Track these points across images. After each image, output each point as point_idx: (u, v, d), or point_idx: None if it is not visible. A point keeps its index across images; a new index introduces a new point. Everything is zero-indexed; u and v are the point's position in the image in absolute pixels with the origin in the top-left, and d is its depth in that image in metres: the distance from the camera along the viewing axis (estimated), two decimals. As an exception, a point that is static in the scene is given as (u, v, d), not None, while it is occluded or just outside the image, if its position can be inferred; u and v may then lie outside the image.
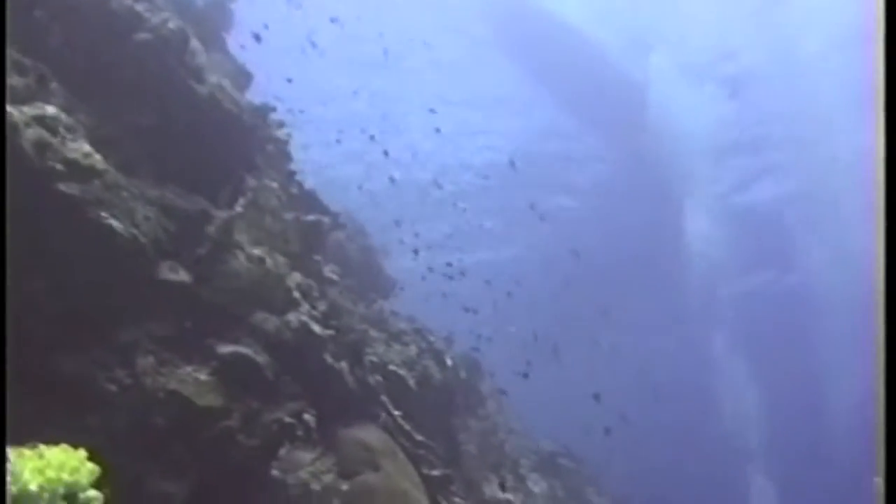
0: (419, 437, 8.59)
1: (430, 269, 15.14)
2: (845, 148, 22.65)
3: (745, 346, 28.51)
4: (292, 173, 8.60)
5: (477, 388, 13.85)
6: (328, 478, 6.21)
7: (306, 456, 6.17)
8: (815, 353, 29.16)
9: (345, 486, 6.92)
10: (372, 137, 16.61)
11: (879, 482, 3.51)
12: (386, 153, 16.57)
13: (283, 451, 6.03)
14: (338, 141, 17.88)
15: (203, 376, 6.02)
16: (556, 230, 25.74)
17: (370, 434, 7.72)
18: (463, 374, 13.07)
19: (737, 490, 27.34)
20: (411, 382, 9.76)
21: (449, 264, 15.63)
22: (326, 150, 19.89)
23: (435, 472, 8.56)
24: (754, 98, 23.67)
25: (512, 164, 20.95)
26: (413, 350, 10.47)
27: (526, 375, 14.21)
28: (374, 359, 9.27)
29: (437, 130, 19.62)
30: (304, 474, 6.07)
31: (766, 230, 27.49)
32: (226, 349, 6.18)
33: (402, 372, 9.70)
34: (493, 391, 15.24)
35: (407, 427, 8.49)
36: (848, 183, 23.31)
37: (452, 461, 9.92)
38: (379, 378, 8.77)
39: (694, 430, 29.74)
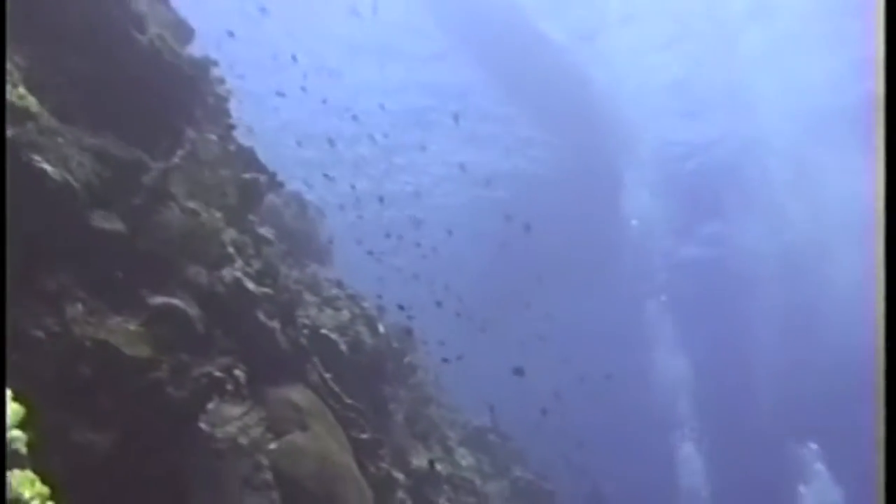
0: (349, 401, 8.62)
1: (361, 242, 15.18)
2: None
3: (677, 316, 29.13)
4: (231, 128, 8.50)
5: (408, 358, 13.88)
6: (256, 432, 6.19)
7: (235, 410, 6.14)
8: (743, 322, 29.79)
9: (273, 445, 6.92)
10: (303, 88, 16.51)
11: (880, 479, 3.54)
12: (324, 101, 16.42)
13: (211, 405, 5.99)
14: (278, 94, 17.69)
15: (133, 326, 5.95)
16: (492, 202, 25.95)
17: (300, 394, 7.72)
18: (395, 344, 13.11)
19: (663, 458, 28.03)
20: (343, 347, 9.77)
21: (388, 235, 15.70)
22: (265, 109, 19.70)
23: (363, 436, 8.59)
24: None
25: (455, 118, 20.98)
26: (346, 315, 10.47)
27: (459, 357, 14.35)
28: (307, 321, 9.26)
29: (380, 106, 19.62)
30: (232, 429, 6.04)
31: (701, 201, 28.13)
32: (157, 300, 6.11)
33: (333, 336, 9.71)
34: (424, 362, 15.29)
35: (337, 389, 8.50)
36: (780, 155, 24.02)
37: (381, 428, 9.97)
38: (310, 340, 8.76)
39: (623, 401, 30.21)
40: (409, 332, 13.72)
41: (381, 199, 19.88)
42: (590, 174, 26.79)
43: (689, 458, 27.61)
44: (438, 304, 14.83)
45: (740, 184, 26.82)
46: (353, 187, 18.91)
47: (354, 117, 19.55)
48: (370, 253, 16.03)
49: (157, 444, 5.83)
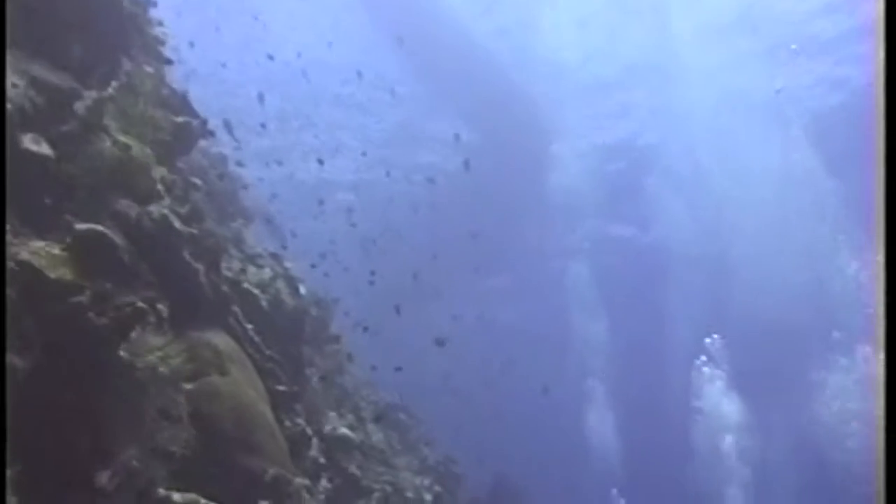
0: (268, 352, 8.63)
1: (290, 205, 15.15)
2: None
3: (601, 294, 29.77)
4: (166, 66, 8.43)
5: (326, 327, 13.89)
6: (177, 362, 6.17)
7: (157, 341, 6.11)
8: (665, 304, 30.49)
9: (190, 385, 6.89)
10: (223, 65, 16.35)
11: (880, 484, 3.60)
12: (271, 57, 16.30)
13: (133, 334, 5.95)
14: (217, 28, 17.43)
15: (57, 250, 5.88)
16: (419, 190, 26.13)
17: (220, 339, 7.70)
18: (314, 311, 13.11)
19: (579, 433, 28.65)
20: (263, 303, 9.75)
21: (322, 202, 15.72)
22: (200, 56, 19.43)
23: (281, 388, 8.61)
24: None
25: (393, 93, 21.06)
26: (267, 273, 10.44)
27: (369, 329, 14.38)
28: (229, 274, 9.22)
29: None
30: (152, 358, 6.01)
31: (627, 184, 28.77)
32: (82, 226, 6.04)
33: (255, 291, 9.68)
34: (341, 333, 15.29)
35: (257, 339, 8.50)
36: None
37: (298, 387, 9.98)
38: (232, 291, 8.74)
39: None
40: (333, 301, 13.77)
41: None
42: (513, 158, 27.09)
43: (604, 424, 28.39)
44: (372, 277, 14.77)
45: (665, 165, 27.47)
46: (279, 163, 18.77)
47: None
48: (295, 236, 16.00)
49: (77, 370, 5.76)
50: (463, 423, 22.51)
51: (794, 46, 23.47)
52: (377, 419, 12.72)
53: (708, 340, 24.94)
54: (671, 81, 25.21)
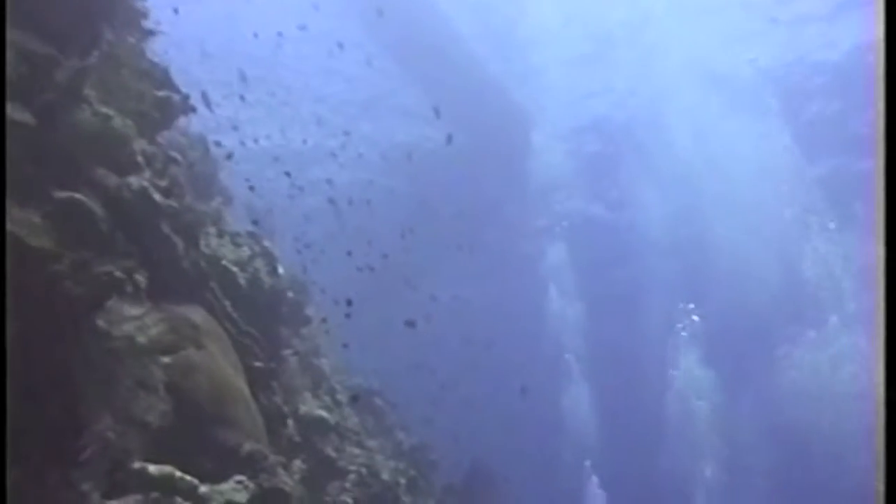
0: (245, 328, 8.62)
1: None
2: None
3: (577, 273, 29.99)
4: (148, 39, 8.38)
5: (303, 308, 13.87)
6: (154, 332, 6.16)
7: (134, 310, 6.10)
8: (640, 284, 30.64)
9: (167, 359, 6.88)
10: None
11: (880, 486, 3.59)
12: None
13: (110, 304, 5.94)
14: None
15: (37, 219, 5.86)
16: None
17: (197, 313, 7.69)
18: (291, 294, 13.07)
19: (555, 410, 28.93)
20: (241, 281, 9.73)
21: (301, 187, 15.69)
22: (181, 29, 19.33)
23: (258, 364, 8.61)
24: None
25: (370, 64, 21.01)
26: (246, 252, 10.42)
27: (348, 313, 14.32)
28: (207, 251, 9.19)
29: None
30: (129, 328, 6.00)
31: (605, 165, 28.93)
32: (62, 195, 6.02)
33: (233, 269, 9.66)
34: (318, 316, 15.25)
35: (234, 315, 8.49)
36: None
37: (275, 364, 9.97)
38: (210, 267, 8.72)
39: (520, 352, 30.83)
40: (310, 282, 13.75)
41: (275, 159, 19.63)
42: (490, 138, 27.14)
43: (577, 400, 28.68)
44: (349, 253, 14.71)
45: (641, 144, 27.61)
46: (255, 141, 18.69)
47: None
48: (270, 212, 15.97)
49: (54, 337, 5.75)
50: (438, 407, 22.52)
51: (773, 18, 23.69)
52: (353, 400, 12.72)
53: (681, 305, 25.32)
54: (648, 59, 25.32)
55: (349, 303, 12.39)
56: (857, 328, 24.74)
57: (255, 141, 17.78)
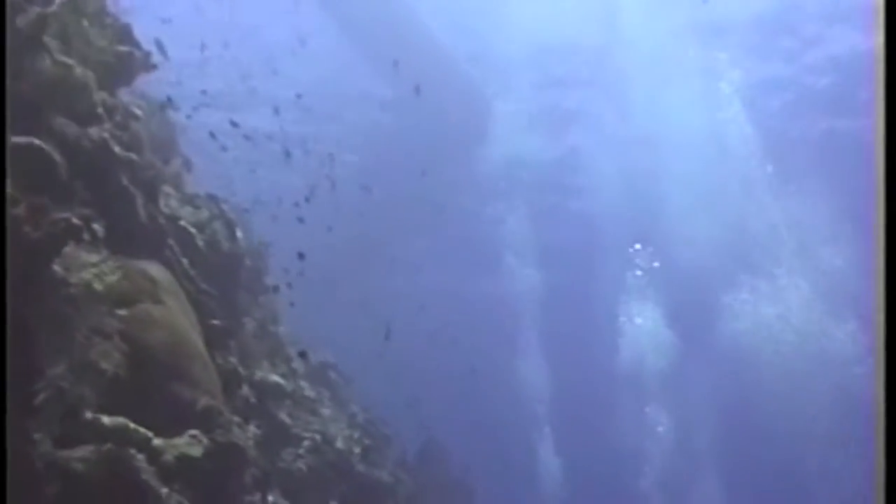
0: (204, 286, 8.61)
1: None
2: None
3: (536, 251, 30.31)
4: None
5: (262, 277, 13.86)
6: (111, 280, 6.14)
7: (91, 257, 6.07)
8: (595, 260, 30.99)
9: (124, 312, 6.85)
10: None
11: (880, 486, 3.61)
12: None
13: (67, 250, 5.90)
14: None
15: (-7, 163, 5.80)
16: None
17: (155, 269, 7.66)
18: (249, 262, 13.02)
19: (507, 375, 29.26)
20: (200, 243, 9.71)
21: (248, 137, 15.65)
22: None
23: (215, 322, 8.60)
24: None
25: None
26: (205, 214, 10.38)
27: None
28: (166, 210, 9.16)
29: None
30: (86, 275, 5.97)
31: (565, 146, 29.15)
32: (21, 139, 5.97)
33: (192, 230, 9.63)
34: (277, 284, 15.19)
35: (192, 273, 8.48)
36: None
37: (233, 328, 9.97)
38: (169, 225, 8.69)
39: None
40: (261, 254, 13.73)
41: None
42: (448, 120, 27.19)
43: (537, 372, 29.09)
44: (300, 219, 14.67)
45: (600, 126, 27.84)
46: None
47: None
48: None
49: (9, 283, 5.70)
50: (394, 384, 22.65)
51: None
52: (301, 356, 12.73)
53: (632, 249, 25.80)
54: (611, 46, 25.49)
55: (301, 256, 12.22)
56: (802, 283, 25.54)
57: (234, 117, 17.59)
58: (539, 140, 28.97)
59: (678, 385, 26.99)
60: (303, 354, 12.52)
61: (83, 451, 6.25)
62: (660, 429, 27.11)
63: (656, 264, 26.11)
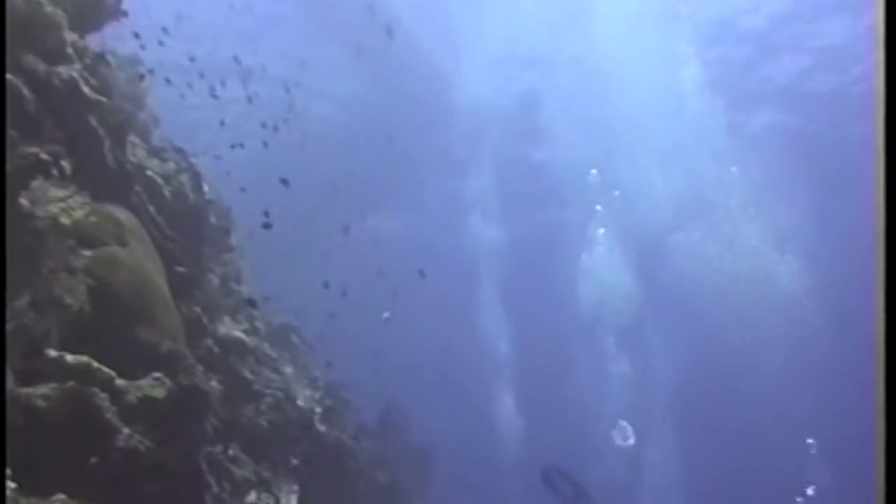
0: (170, 233, 8.62)
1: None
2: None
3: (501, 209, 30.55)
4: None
5: (227, 236, 13.81)
6: (78, 215, 6.16)
7: (59, 192, 6.09)
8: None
9: (89, 252, 6.87)
10: None
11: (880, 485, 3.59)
12: None
13: (35, 184, 5.92)
14: None
15: (-39, 94, 5.79)
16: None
17: (122, 212, 7.67)
18: (214, 220, 12.97)
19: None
20: (166, 193, 9.70)
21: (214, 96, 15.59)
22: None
23: (181, 269, 8.62)
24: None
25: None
26: (172, 166, 10.36)
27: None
28: (133, 160, 9.14)
29: None
30: (54, 209, 5.99)
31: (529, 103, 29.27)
32: (-10, 72, 5.96)
33: (158, 181, 9.62)
34: (242, 243, 15.16)
35: (159, 220, 8.49)
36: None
37: (197, 278, 9.99)
38: (137, 173, 8.68)
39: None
40: (227, 213, 13.69)
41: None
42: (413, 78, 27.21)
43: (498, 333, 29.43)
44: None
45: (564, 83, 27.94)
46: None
47: None
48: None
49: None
50: (355, 349, 22.70)
51: None
52: (250, 304, 12.74)
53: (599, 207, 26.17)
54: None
55: (266, 215, 12.22)
56: (752, 229, 26.20)
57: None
58: (499, 82, 29.03)
59: (638, 330, 27.32)
60: (251, 302, 12.49)
61: (46, 388, 6.28)
62: (620, 371, 27.41)
63: (616, 193, 26.32)
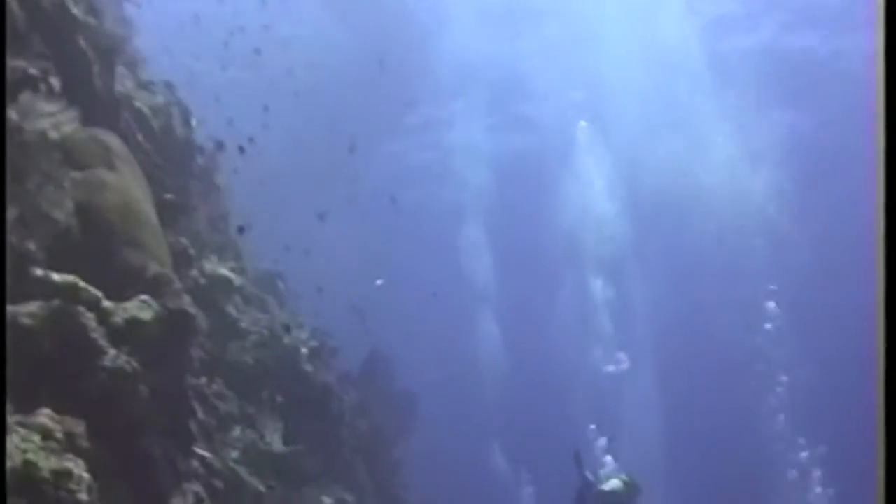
0: (158, 161, 8.62)
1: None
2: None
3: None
4: None
5: (213, 176, 13.79)
6: (67, 130, 6.15)
7: (48, 107, 6.08)
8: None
9: (77, 175, 6.87)
10: None
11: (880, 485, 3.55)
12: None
13: (24, 98, 5.90)
14: None
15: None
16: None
17: (110, 137, 7.65)
18: (200, 161, 12.91)
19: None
20: (154, 125, 9.68)
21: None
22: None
23: (168, 196, 8.61)
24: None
25: None
26: (160, 100, 10.33)
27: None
28: (121, 89, 9.10)
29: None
30: (43, 123, 5.98)
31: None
32: (-22, -15, 5.92)
33: (146, 112, 9.60)
34: (227, 188, 15.09)
35: (147, 147, 8.48)
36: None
37: (184, 207, 9.97)
38: (125, 100, 8.66)
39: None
40: (220, 145, 13.57)
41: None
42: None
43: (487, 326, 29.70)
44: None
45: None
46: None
47: None
48: None
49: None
50: (341, 300, 22.76)
51: None
52: (239, 231, 12.76)
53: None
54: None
55: (250, 140, 12.09)
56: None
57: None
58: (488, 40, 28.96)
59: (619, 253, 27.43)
60: (241, 229, 12.50)
61: (32, 306, 6.29)
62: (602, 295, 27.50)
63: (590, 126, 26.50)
